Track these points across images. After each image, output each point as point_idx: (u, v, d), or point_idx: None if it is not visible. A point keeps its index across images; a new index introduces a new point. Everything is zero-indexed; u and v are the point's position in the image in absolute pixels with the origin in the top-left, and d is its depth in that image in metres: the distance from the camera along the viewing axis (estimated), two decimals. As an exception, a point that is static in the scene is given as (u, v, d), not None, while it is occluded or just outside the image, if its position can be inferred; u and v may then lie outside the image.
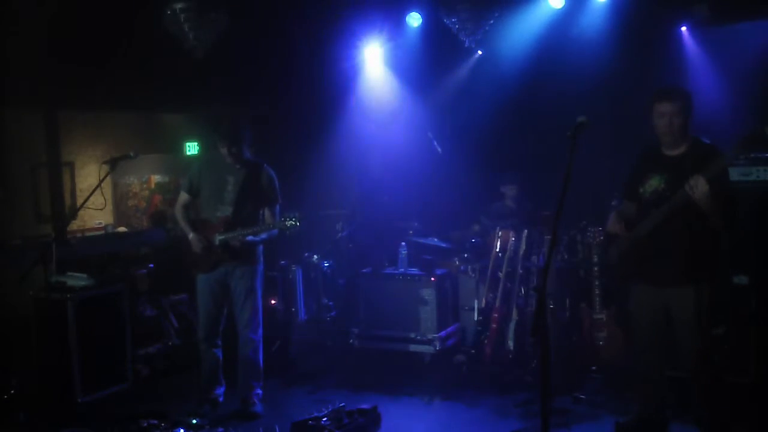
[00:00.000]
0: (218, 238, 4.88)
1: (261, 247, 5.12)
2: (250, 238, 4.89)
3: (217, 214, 4.95)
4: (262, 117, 7.82)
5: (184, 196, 5.15)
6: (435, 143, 7.18)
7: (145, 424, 4.67)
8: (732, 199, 3.94)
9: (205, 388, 5.18)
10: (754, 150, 4.74)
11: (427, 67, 7.42)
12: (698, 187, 3.75)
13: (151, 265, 6.52)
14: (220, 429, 4.76)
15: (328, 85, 7.51)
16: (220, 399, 5.21)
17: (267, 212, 5.07)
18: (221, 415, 5.03)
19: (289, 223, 4.74)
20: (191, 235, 4.98)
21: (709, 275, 4.00)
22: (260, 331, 5.13)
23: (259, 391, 5.15)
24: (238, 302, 5.04)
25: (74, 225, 7.08)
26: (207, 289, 5.04)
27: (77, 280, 5.39)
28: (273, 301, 6.73)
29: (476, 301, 5.96)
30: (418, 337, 6.09)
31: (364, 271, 6.49)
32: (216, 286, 5.03)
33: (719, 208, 3.81)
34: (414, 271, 6.27)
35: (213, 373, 5.18)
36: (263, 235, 4.98)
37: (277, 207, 5.10)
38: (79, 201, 6.92)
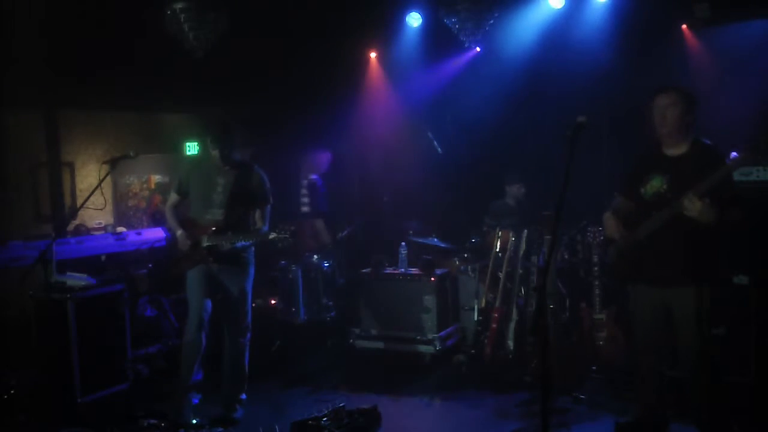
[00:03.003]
0: (206, 242, 4.79)
1: (252, 249, 5.02)
2: (240, 243, 4.81)
3: (207, 216, 4.86)
4: (262, 117, 7.83)
5: (173, 196, 5.10)
6: (435, 143, 7.18)
7: (145, 424, 4.67)
8: (737, 199, 3.93)
9: (184, 376, 4.89)
10: (755, 162, 4.73)
11: (427, 67, 7.42)
12: (692, 208, 3.76)
13: (151, 265, 6.52)
14: (220, 429, 4.76)
15: (328, 85, 7.51)
16: (195, 401, 4.96)
17: (258, 214, 4.96)
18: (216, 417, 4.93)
19: (280, 236, 4.64)
20: (179, 232, 4.93)
21: (709, 275, 3.99)
22: (249, 335, 5.03)
23: (243, 396, 5.04)
24: (228, 303, 4.94)
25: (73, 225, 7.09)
26: (195, 281, 4.90)
27: (77, 280, 5.39)
28: (273, 301, 6.73)
29: (476, 301, 5.96)
30: (418, 337, 6.09)
31: (364, 271, 6.49)
32: (204, 278, 4.89)
33: (718, 217, 3.80)
34: (414, 271, 6.27)
35: (194, 358, 4.88)
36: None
37: (268, 208, 4.98)
38: (79, 201, 6.91)
